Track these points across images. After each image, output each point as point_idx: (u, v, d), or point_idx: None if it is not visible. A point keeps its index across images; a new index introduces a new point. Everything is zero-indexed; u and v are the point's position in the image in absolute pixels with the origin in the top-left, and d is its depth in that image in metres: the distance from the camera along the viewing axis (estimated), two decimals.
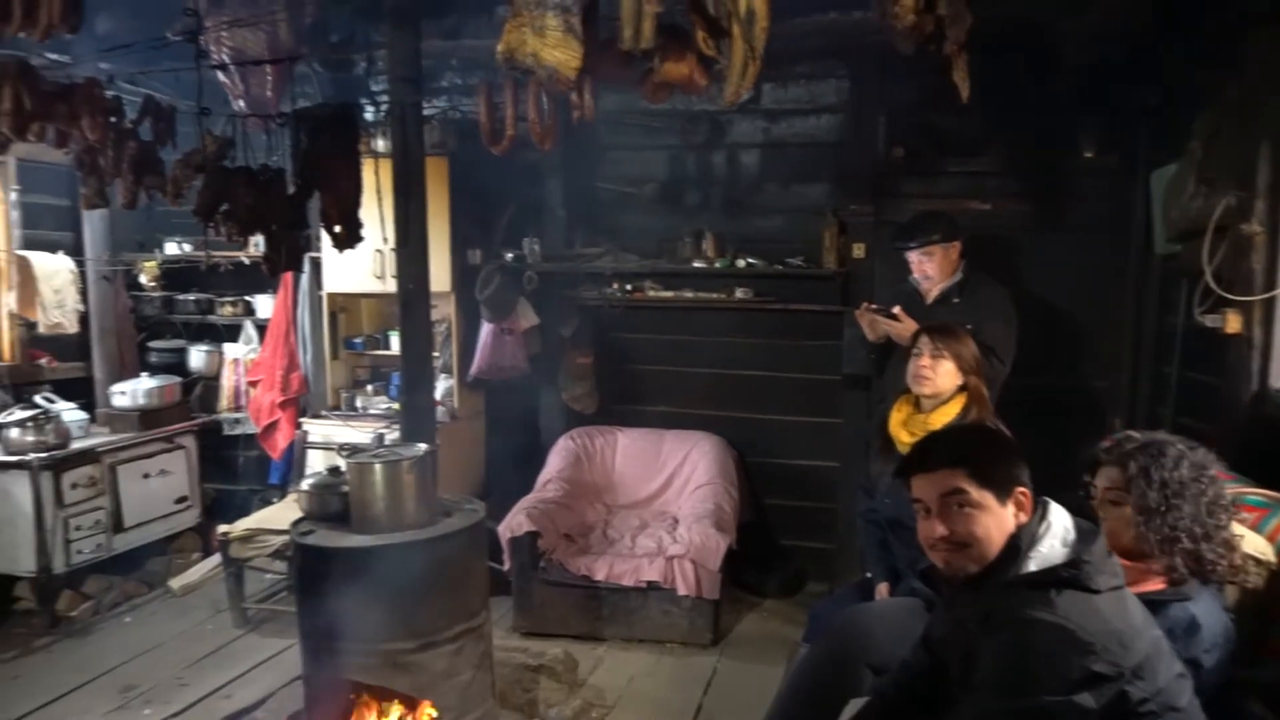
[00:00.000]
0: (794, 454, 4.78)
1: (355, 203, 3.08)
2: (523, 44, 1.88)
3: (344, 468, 2.82)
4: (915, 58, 2.28)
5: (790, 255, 4.53)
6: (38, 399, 4.50)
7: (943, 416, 2.76)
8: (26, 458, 4.09)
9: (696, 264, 4.59)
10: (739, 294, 4.56)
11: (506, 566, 4.06)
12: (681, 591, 3.85)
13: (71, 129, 2.92)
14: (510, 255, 4.72)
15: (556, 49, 1.87)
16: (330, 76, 4.84)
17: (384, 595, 2.56)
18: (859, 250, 4.40)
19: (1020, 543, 1.60)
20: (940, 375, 2.78)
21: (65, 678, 3.66)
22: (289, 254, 3.16)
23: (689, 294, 4.67)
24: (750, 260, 4.53)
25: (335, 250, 3.15)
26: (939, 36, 2.21)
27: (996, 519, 1.64)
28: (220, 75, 3.88)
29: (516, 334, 4.68)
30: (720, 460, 4.56)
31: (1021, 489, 1.67)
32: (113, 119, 3.09)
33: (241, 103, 3.78)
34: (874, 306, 3.43)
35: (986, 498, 1.65)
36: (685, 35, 2.05)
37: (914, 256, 3.48)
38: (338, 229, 3.07)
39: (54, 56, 3.71)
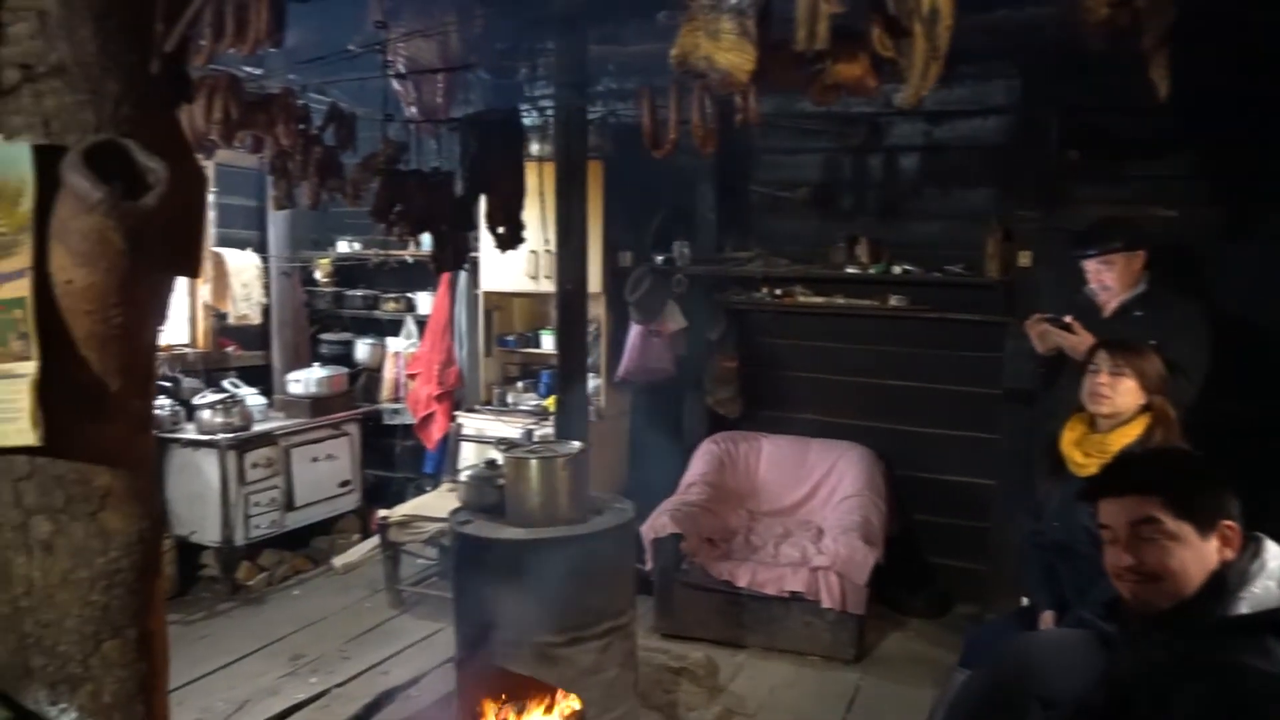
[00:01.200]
0: (945, 469, 4.59)
1: (519, 205, 3.19)
2: (696, 47, 1.89)
3: (500, 461, 2.92)
4: (1093, 55, 2.14)
5: (949, 262, 4.36)
6: (225, 384, 4.90)
7: (1122, 438, 2.58)
8: (216, 437, 4.45)
9: (850, 269, 4.48)
10: (893, 301, 4.43)
11: (648, 567, 4.09)
12: (825, 604, 3.77)
13: (267, 136, 3.15)
14: (660, 258, 4.76)
15: (730, 52, 1.87)
16: (493, 82, 5.03)
17: (536, 588, 2.63)
18: (1025, 258, 4.18)
19: (1228, 581, 1.46)
20: (1120, 394, 2.60)
21: (243, 642, 3.96)
22: (455, 253, 3.30)
23: (840, 300, 4.57)
24: (906, 267, 4.39)
25: (498, 251, 3.27)
26: (1134, 31, 2.06)
27: (1195, 553, 1.51)
28: (395, 83, 4.11)
29: (664, 336, 4.71)
30: (868, 472, 4.43)
31: (1228, 523, 1.53)
32: (301, 126, 3.31)
33: (414, 109, 3.97)
34: (1046, 317, 3.24)
35: (1184, 529, 1.52)
36: (859, 36, 2.00)
37: (1092, 265, 3.26)
38: (501, 230, 3.18)
39: (249, 70, 4.03)
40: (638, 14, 3.76)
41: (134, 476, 1.52)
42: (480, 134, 3.15)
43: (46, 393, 1.35)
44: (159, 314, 1.54)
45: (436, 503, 4.46)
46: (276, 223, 5.47)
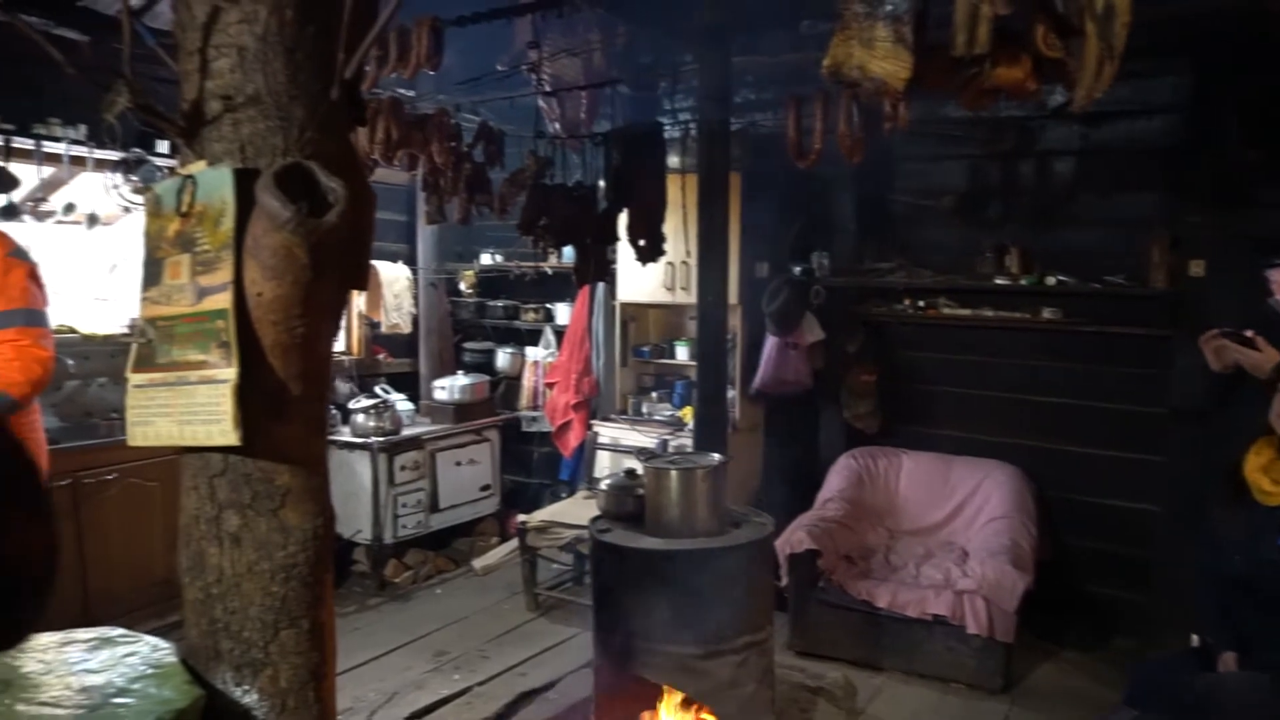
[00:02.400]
0: (1103, 492, 4.32)
1: (660, 217, 3.22)
2: (850, 57, 1.86)
3: (640, 471, 2.95)
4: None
5: (1108, 272, 4.10)
6: (377, 389, 5.16)
7: None
8: (369, 440, 4.70)
9: (999, 280, 4.29)
10: (1046, 314, 4.21)
11: (783, 583, 4.03)
12: (971, 629, 3.61)
13: (422, 154, 3.31)
14: (798, 269, 4.70)
15: (885, 60, 1.83)
16: (631, 97, 5.11)
17: (675, 599, 2.64)
18: (1197, 268, 3.89)
19: None
20: None
21: (391, 635, 4.15)
22: (597, 265, 3.37)
23: (988, 312, 4.38)
24: (1061, 278, 4.16)
25: (638, 263, 3.31)
26: None
27: None
28: (539, 100, 4.24)
29: (801, 348, 4.64)
30: (1017, 493, 4.22)
31: None
32: (452, 144, 3.46)
33: (557, 125, 4.09)
34: (1224, 331, 3.00)
35: None
36: (1022, 37, 1.92)
37: (1278, 276, 3.00)
38: (642, 242, 3.22)
39: (401, 91, 4.26)
40: (779, 24, 3.75)
41: (310, 476, 1.62)
42: (624, 148, 3.21)
43: (240, 397, 1.46)
44: (334, 324, 1.63)
45: (573, 509, 4.55)
46: (425, 236, 5.74)
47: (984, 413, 4.62)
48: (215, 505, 1.55)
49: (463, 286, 6.00)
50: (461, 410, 5.34)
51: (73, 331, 4.31)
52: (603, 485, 3.12)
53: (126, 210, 4.56)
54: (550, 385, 5.50)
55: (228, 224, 1.47)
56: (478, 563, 5.12)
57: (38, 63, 4.06)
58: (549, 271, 5.60)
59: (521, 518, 4.59)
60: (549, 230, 3.25)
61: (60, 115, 4.14)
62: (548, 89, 3.91)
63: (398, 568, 4.82)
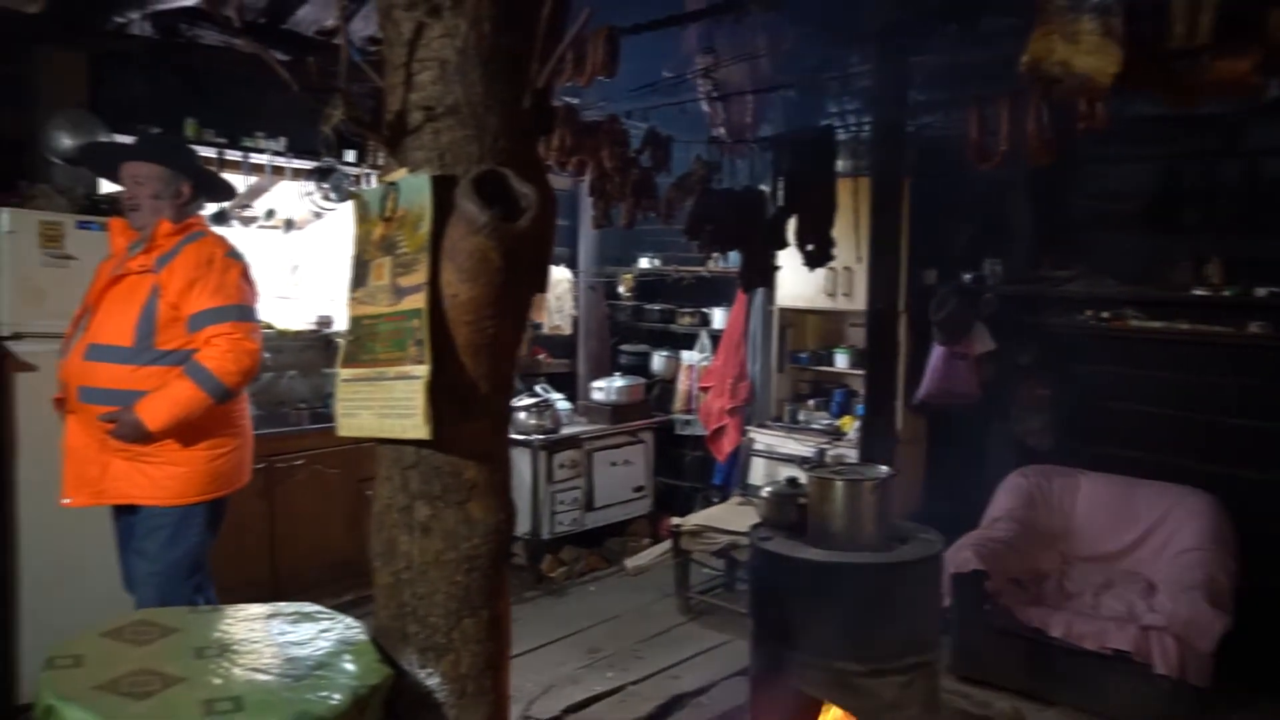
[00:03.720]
0: None
1: (829, 222, 3.16)
2: (1050, 52, 1.76)
3: (802, 480, 2.90)
4: None
5: None
6: (537, 389, 5.32)
7: None
8: (530, 438, 4.86)
9: (1197, 291, 3.95)
10: (1253, 328, 3.83)
11: (946, 603, 3.86)
12: (1160, 670, 3.32)
13: (592, 160, 3.39)
14: (968, 276, 4.50)
15: (1091, 55, 1.71)
16: (794, 100, 5.04)
17: (838, 612, 2.57)
18: None
19: None
20: None
21: (546, 629, 4.26)
22: (762, 270, 3.34)
23: (1183, 325, 4.04)
24: (1274, 289, 3.78)
25: (807, 267, 3.26)
26: None
27: None
28: (703, 105, 4.25)
29: (970, 359, 4.43)
30: (1213, 523, 3.86)
31: None
32: (620, 149, 3.52)
33: (721, 129, 4.08)
34: None
35: None
36: (1252, 25, 1.75)
37: None
38: (810, 247, 3.17)
39: (568, 99, 4.37)
40: (956, 22, 3.59)
41: (495, 472, 1.68)
42: (794, 152, 3.17)
43: (433, 393, 1.53)
44: (521, 326, 1.69)
45: (727, 515, 4.53)
46: (586, 240, 5.87)
47: (1175, 434, 4.25)
48: (407, 495, 1.64)
49: (621, 290, 6.10)
50: (618, 411, 5.42)
51: (269, 327, 4.67)
52: (762, 493, 3.09)
53: (317, 215, 4.92)
54: (705, 389, 5.50)
55: (426, 228, 1.55)
56: (629, 563, 5.18)
57: (246, 82, 4.45)
58: (706, 275, 5.60)
59: (675, 521, 4.61)
60: (715, 234, 3.25)
61: (264, 129, 4.50)
62: (714, 94, 3.91)
63: (553, 563, 4.95)
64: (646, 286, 6.16)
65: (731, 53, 3.68)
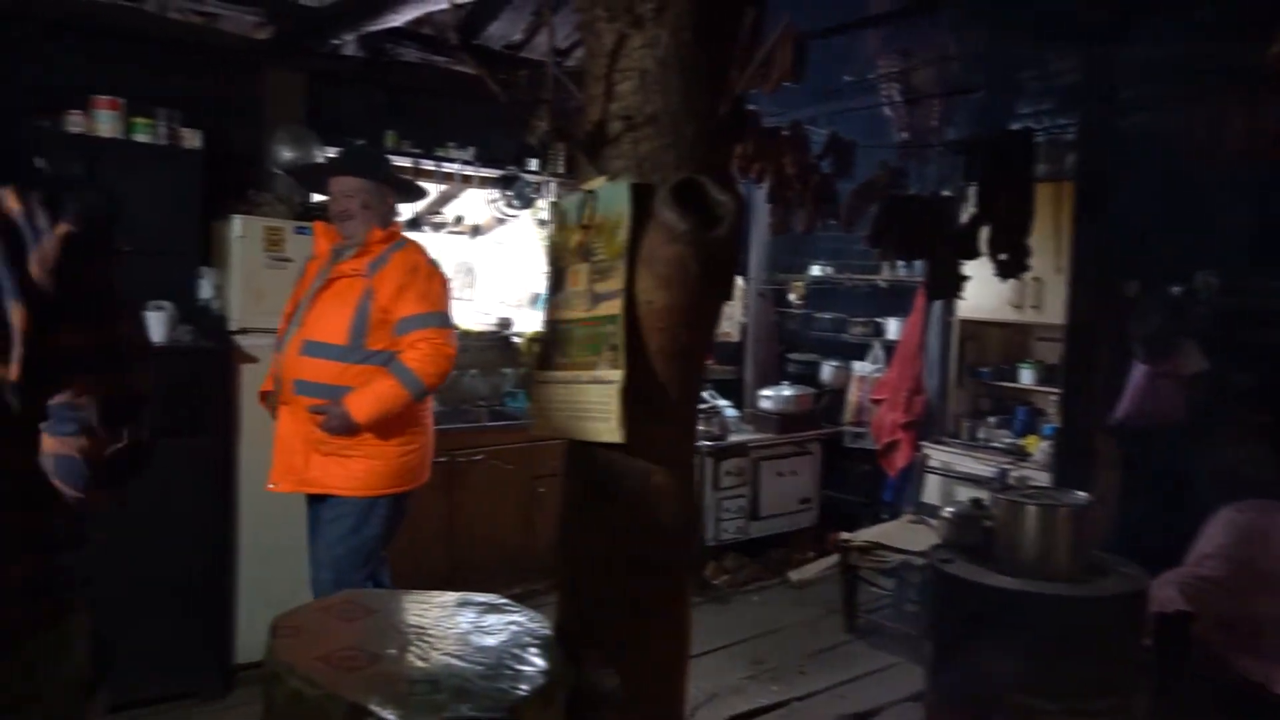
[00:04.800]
0: None
1: (1026, 229, 2.99)
2: None
3: (988, 501, 2.75)
4: None
5: None
6: (705, 395, 5.33)
7: None
8: (698, 444, 4.87)
9: None
10: None
11: (1147, 644, 3.55)
12: None
13: (772, 167, 3.36)
14: (1177, 288, 4.12)
15: None
16: (984, 101, 4.80)
17: (1029, 645, 2.42)
18: None
19: None
20: None
21: (709, 637, 4.25)
22: (950, 280, 3.19)
23: None
24: None
25: (999, 277, 3.09)
26: None
27: None
28: (886, 109, 4.13)
29: (1177, 379, 4.06)
30: None
31: None
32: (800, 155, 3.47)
33: (905, 134, 3.95)
34: None
35: None
36: None
37: None
38: (1004, 256, 3.00)
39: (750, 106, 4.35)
40: (1167, 16, 3.31)
41: (681, 477, 1.69)
42: (989, 156, 3.01)
43: (626, 397, 1.55)
44: (712, 335, 1.69)
45: (898, 533, 4.37)
46: (756, 247, 5.83)
47: None
48: (594, 497, 1.67)
49: (791, 297, 6.02)
50: (785, 421, 5.35)
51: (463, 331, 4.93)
52: (943, 513, 2.96)
53: (501, 221, 5.14)
54: (877, 401, 5.33)
55: (623, 235, 1.57)
56: (794, 575, 5.10)
57: (439, 96, 4.70)
58: (882, 284, 5.43)
59: (844, 535, 4.49)
60: (900, 242, 3.14)
61: (455, 140, 4.75)
62: (900, 97, 3.78)
63: (717, 570, 4.94)
64: (818, 294, 6.04)
65: (919, 54, 3.55)
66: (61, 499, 1.23)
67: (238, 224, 3.46)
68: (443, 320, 2.83)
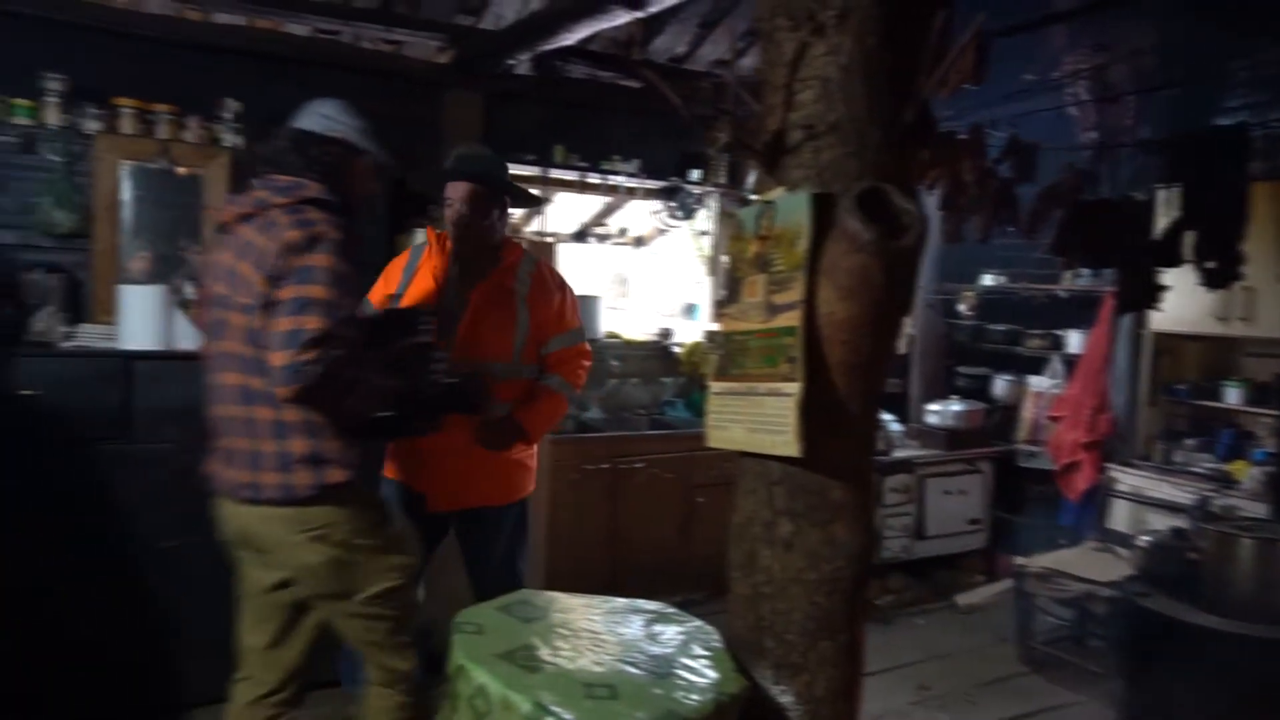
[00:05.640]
0: None
1: (1238, 235, 2.72)
2: None
3: (1192, 532, 2.52)
4: None
5: None
6: None
7: None
8: None
9: None
10: None
11: None
12: None
13: (947, 172, 3.22)
14: None
15: None
16: (1181, 97, 4.43)
17: (1235, 693, 2.20)
18: None
19: None
20: None
21: (873, 658, 4.02)
22: (1146, 290, 2.96)
23: None
24: None
25: (1206, 287, 2.84)
26: None
27: None
28: (1071, 109, 3.88)
29: None
30: None
31: None
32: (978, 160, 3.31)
33: (1093, 134, 3.70)
34: None
35: None
36: None
37: None
38: (1212, 264, 2.75)
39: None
40: None
41: (860, 493, 1.64)
42: (1197, 156, 2.77)
43: (804, 411, 1.53)
44: (892, 347, 1.63)
45: (1080, 560, 4.07)
46: (926, 256, 5.62)
47: None
48: (771, 510, 1.65)
49: (961, 308, 5.75)
50: (953, 437, 5.12)
51: (616, 337, 5.02)
52: (1137, 541, 2.74)
53: (663, 232, 5.21)
54: (1056, 419, 5.00)
55: (803, 246, 1.55)
56: (961, 599, 4.86)
57: (604, 110, 4.81)
58: (1062, 294, 5.10)
59: (1019, 560, 4.24)
60: (1088, 250, 2.94)
61: (620, 152, 4.85)
62: (1086, 95, 3.55)
63: (880, 590, 4.78)
64: (990, 305, 5.74)
65: (1112, 49, 3.31)
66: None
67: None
68: (584, 335, 2.85)
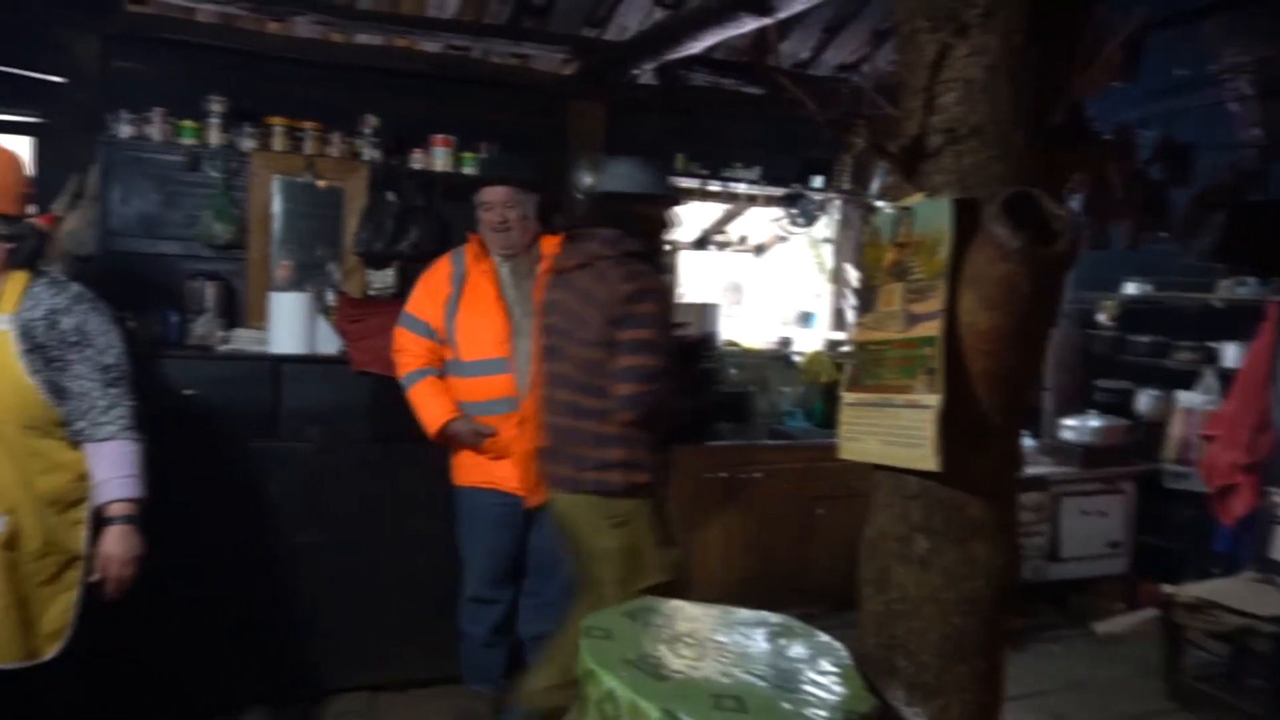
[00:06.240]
0: None
1: None
2: None
3: None
4: None
5: None
6: None
7: None
8: None
9: None
10: None
11: None
12: None
13: (1091, 175, 3.06)
14: None
15: None
16: None
17: None
18: None
19: None
20: None
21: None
22: None
23: None
24: None
25: None
26: None
27: None
28: (1232, 105, 3.62)
29: None
30: None
31: None
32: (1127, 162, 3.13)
33: (1256, 131, 3.44)
34: None
35: None
36: None
37: None
38: None
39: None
40: None
41: (1002, 511, 1.57)
42: None
43: (943, 424, 1.47)
44: (1039, 359, 1.56)
45: (1238, 592, 3.78)
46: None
47: None
48: (907, 526, 1.60)
49: (1101, 318, 5.43)
50: (1091, 454, 4.84)
51: (735, 345, 4.99)
52: None
53: (782, 240, 5.15)
54: (1209, 438, 4.65)
55: (943, 253, 1.49)
56: (1099, 627, 4.59)
57: (725, 117, 4.80)
58: (1217, 305, 4.75)
59: (1167, 589, 3.96)
60: (1253, 256, 2.73)
61: (741, 160, 4.83)
62: (1249, 90, 3.30)
63: (1011, 612, 4.56)
64: (1133, 315, 5.39)
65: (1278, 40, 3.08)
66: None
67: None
68: None
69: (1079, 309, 5.52)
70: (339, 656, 3.33)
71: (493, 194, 2.79)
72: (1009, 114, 1.51)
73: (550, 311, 2.63)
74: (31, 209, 2.37)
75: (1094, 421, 4.94)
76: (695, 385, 2.67)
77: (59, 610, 2.04)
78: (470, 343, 2.87)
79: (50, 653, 2.01)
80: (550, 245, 2.88)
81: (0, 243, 2.00)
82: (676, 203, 2.74)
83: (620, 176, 2.62)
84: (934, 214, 1.53)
